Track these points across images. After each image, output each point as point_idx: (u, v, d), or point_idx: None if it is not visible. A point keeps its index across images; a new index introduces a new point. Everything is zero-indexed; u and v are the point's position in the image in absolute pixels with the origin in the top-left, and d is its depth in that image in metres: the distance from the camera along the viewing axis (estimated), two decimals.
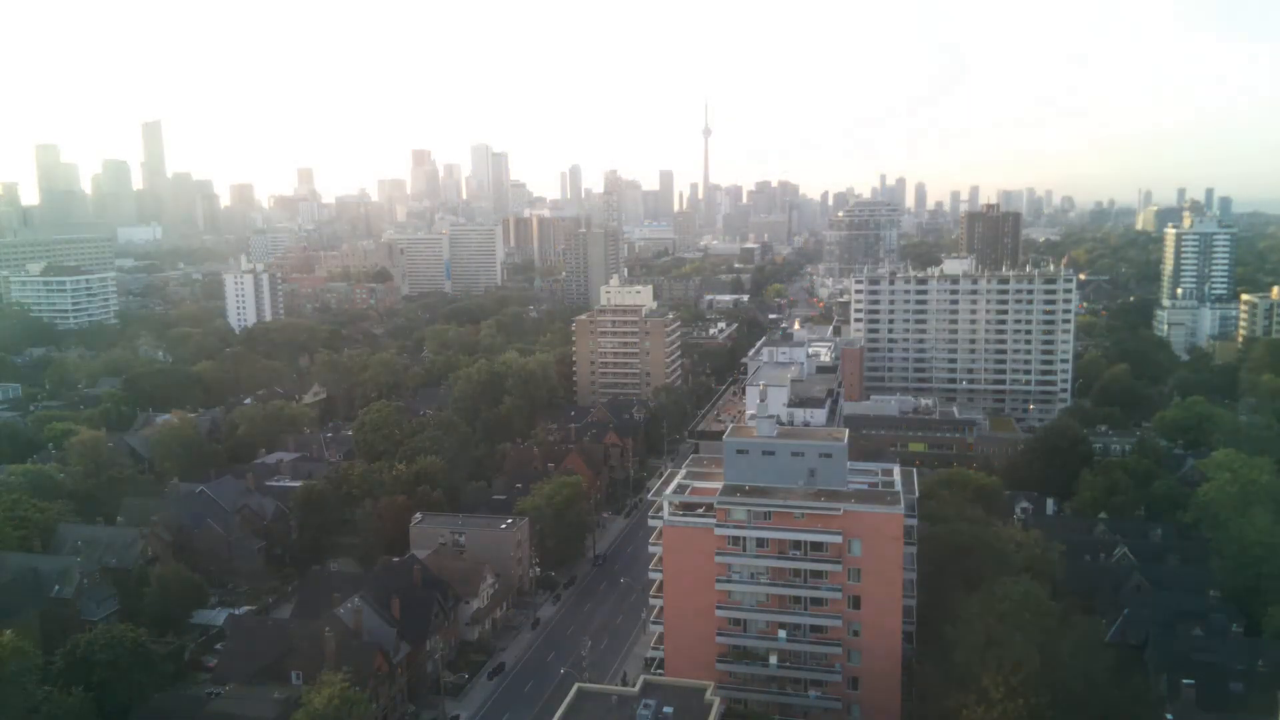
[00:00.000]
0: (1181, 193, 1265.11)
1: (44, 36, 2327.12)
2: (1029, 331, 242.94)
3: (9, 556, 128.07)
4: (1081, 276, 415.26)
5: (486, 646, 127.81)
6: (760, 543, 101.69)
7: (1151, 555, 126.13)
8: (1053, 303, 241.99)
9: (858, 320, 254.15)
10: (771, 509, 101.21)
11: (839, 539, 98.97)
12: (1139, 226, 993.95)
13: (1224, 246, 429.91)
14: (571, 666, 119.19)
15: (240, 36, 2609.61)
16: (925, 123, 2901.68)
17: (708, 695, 76.24)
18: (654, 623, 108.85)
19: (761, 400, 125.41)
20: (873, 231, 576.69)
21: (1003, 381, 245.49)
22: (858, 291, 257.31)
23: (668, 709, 72.89)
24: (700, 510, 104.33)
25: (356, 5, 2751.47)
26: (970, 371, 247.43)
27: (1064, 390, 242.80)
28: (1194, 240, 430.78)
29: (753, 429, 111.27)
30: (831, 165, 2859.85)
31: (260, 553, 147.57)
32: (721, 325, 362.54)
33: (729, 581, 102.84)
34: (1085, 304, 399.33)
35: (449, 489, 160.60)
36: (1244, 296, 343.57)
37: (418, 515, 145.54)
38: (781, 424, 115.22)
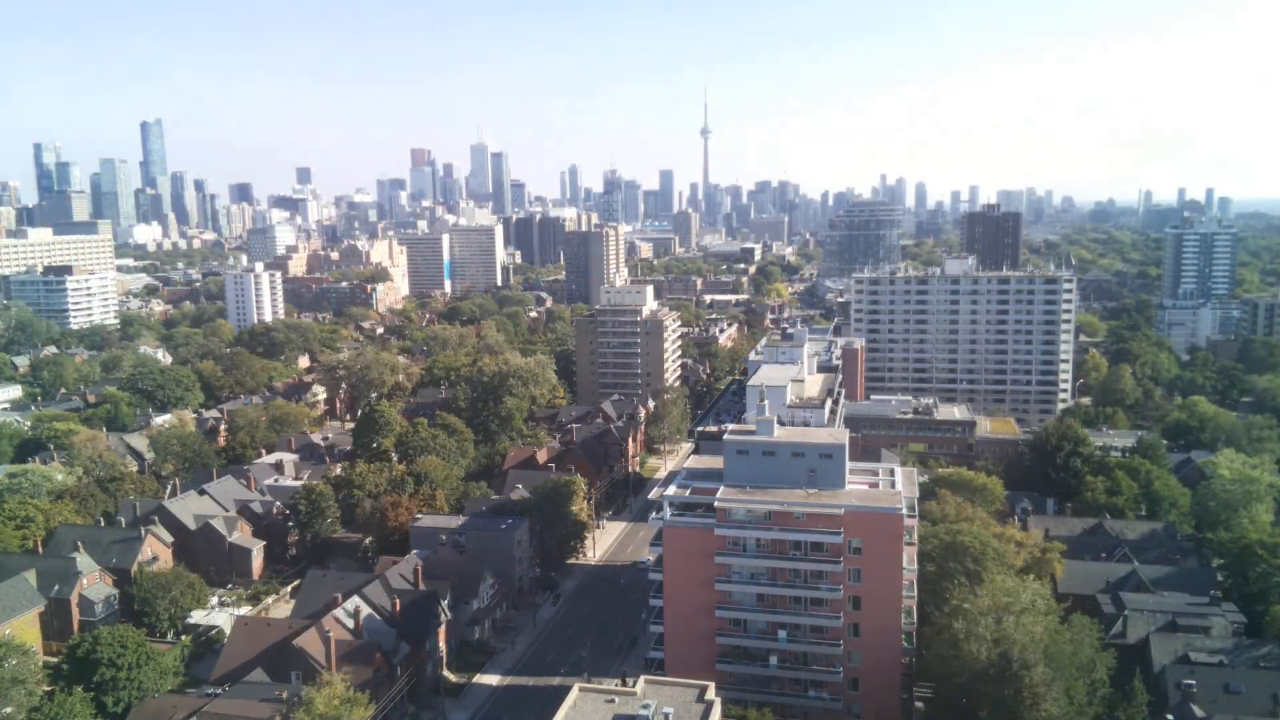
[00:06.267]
0: (1181, 193, 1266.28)
1: (44, 35, 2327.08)
2: (1029, 331, 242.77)
3: (9, 557, 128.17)
4: (1082, 277, 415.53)
5: (486, 647, 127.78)
6: (760, 543, 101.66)
7: (1151, 555, 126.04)
8: (1053, 303, 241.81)
9: (858, 320, 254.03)
10: (772, 509, 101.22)
11: (839, 539, 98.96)
12: (1139, 227, 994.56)
13: (1225, 247, 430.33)
14: (571, 666, 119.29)
15: (239, 36, 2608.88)
16: (925, 123, 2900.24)
17: (708, 695, 76.12)
18: (654, 623, 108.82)
19: (762, 400, 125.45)
20: (873, 231, 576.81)
21: (1003, 381, 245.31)
22: (858, 291, 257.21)
23: (668, 709, 72.73)
24: (700, 511, 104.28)
25: (356, 5, 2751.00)
26: (970, 371, 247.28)
27: (1064, 390, 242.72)
28: (1195, 240, 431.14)
29: (753, 429, 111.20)
30: (831, 165, 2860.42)
31: (260, 553, 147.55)
32: (722, 325, 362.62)
33: (729, 582, 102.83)
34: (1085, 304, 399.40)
35: (449, 489, 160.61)
36: (1244, 296, 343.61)
37: (418, 515, 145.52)
38: (782, 424, 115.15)
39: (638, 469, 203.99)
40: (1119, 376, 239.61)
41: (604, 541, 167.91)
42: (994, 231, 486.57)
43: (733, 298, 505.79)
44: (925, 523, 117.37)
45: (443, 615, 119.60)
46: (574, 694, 77.07)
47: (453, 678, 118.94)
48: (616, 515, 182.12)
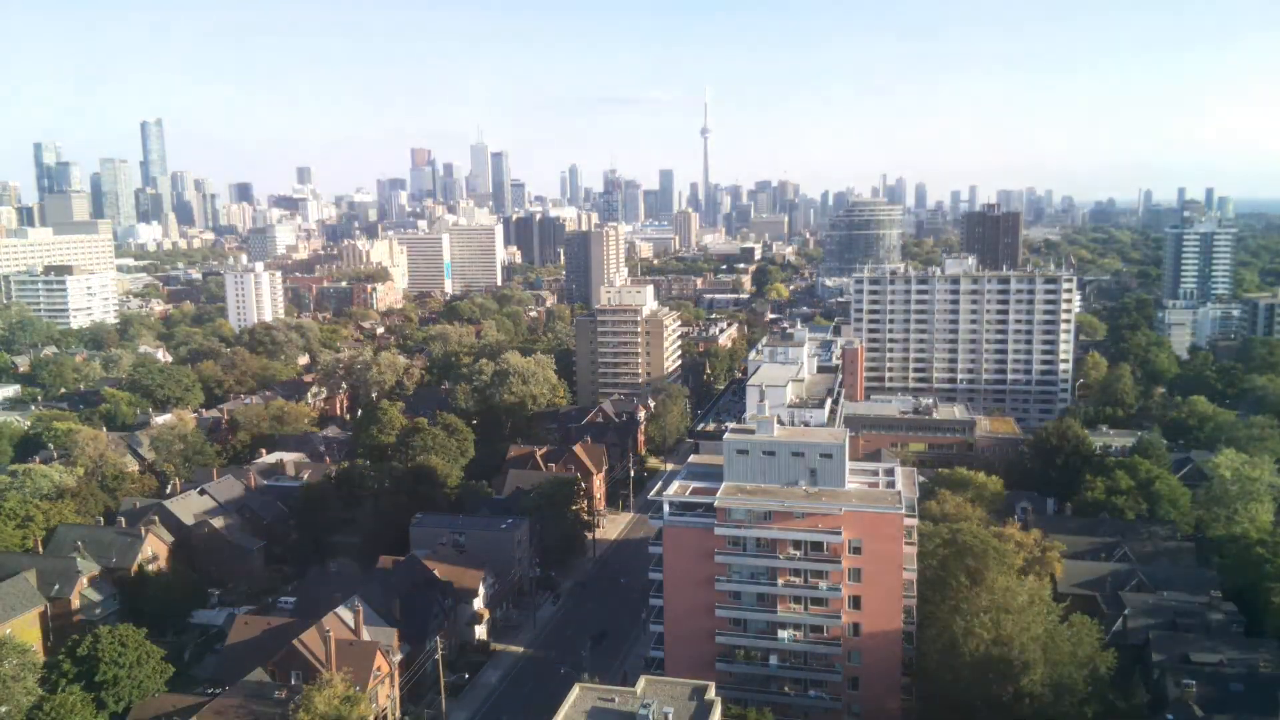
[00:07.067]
0: (1181, 192, 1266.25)
1: (45, 34, 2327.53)
2: (1029, 331, 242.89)
3: (9, 556, 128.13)
4: (1082, 277, 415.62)
5: (486, 646, 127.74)
6: (760, 543, 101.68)
7: (1151, 555, 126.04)
8: (1053, 303, 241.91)
9: (858, 320, 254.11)
10: (771, 509, 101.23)
11: (839, 539, 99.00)
12: (1139, 227, 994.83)
13: (1225, 246, 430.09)
14: (571, 666, 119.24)
15: (240, 35, 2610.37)
16: (925, 123, 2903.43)
17: (708, 695, 76.14)
18: (654, 623, 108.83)
19: (762, 400, 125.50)
20: (873, 231, 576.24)
21: (1003, 381, 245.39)
22: (858, 291, 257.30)
23: (668, 709, 72.78)
24: (700, 510, 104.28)
25: (357, 5, 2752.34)
26: (970, 371, 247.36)
27: (1064, 390, 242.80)
28: (1195, 240, 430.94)
29: (753, 428, 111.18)
30: (831, 165, 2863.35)
31: (260, 552, 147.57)
32: (722, 325, 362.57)
33: (729, 581, 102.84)
34: (1084, 303, 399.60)
35: (449, 489, 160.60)
36: (1244, 296, 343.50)
37: (418, 515, 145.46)
38: (782, 424, 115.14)
39: (638, 468, 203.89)
40: (1119, 376, 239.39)
41: (604, 541, 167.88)
42: (994, 231, 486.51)
43: (733, 297, 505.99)
44: (925, 522, 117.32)
45: (442, 615, 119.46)
46: (574, 693, 77.16)
47: (453, 678, 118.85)
48: (617, 515, 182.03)
